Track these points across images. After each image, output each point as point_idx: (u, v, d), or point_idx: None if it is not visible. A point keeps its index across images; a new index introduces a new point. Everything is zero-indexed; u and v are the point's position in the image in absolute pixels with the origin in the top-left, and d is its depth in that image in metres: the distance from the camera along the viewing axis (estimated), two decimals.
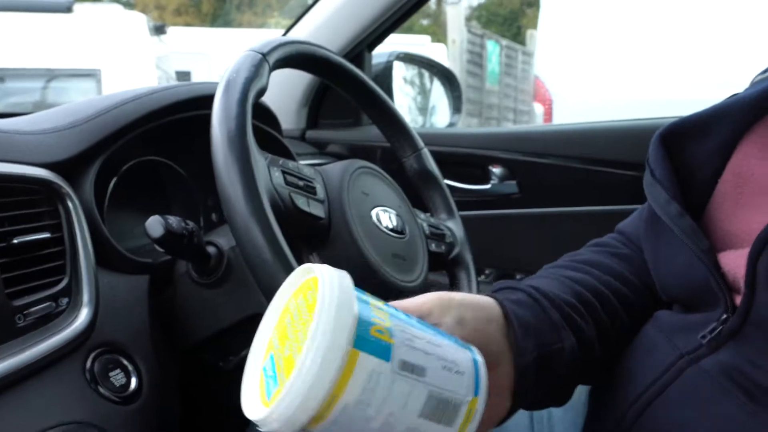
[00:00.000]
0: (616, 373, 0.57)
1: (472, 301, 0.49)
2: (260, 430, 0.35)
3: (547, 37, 4.75)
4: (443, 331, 0.41)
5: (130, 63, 4.26)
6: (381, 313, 0.37)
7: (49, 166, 0.62)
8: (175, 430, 0.70)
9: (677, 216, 0.50)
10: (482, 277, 1.19)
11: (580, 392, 0.60)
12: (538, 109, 5.95)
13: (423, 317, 0.43)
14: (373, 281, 0.65)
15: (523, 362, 0.48)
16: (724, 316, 0.47)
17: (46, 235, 0.59)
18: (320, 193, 0.65)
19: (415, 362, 0.36)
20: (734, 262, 0.46)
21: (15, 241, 0.56)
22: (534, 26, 7.57)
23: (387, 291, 0.66)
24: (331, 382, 0.33)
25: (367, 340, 0.34)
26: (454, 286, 0.82)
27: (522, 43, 9.85)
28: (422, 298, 0.46)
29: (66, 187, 0.62)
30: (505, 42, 8.84)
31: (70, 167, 0.65)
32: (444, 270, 0.85)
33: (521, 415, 0.71)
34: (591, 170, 1.15)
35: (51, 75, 4.32)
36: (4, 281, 0.54)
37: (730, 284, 0.47)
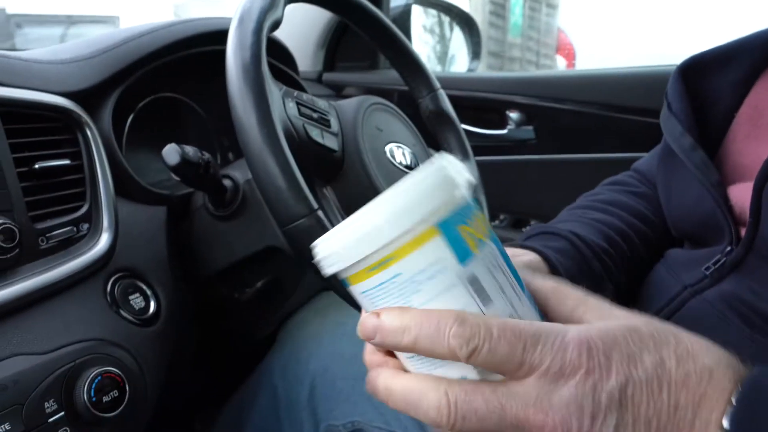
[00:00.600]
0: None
1: (518, 257, 0.49)
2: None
3: None
4: (530, 294, 0.36)
5: (148, 10, 4.24)
6: (483, 229, 0.34)
7: (67, 95, 0.63)
8: (191, 354, 0.72)
9: (690, 149, 0.50)
10: (496, 222, 1.19)
11: None
12: (561, 62, 5.83)
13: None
14: None
15: None
16: (729, 248, 0.47)
17: (66, 162, 0.60)
18: (334, 126, 0.65)
19: (487, 288, 0.33)
20: (742, 195, 0.47)
21: (36, 166, 0.57)
22: None
23: None
24: (395, 237, 0.31)
25: (452, 230, 0.32)
26: None
27: None
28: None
29: (84, 116, 0.63)
30: None
31: (88, 97, 0.66)
32: None
33: None
34: (609, 116, 1.14)
35: (70, 21, 4.31)
36: (27, 205, 0.56)
37: (736, 217, 0.48)
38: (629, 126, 1.13)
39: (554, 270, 0.50)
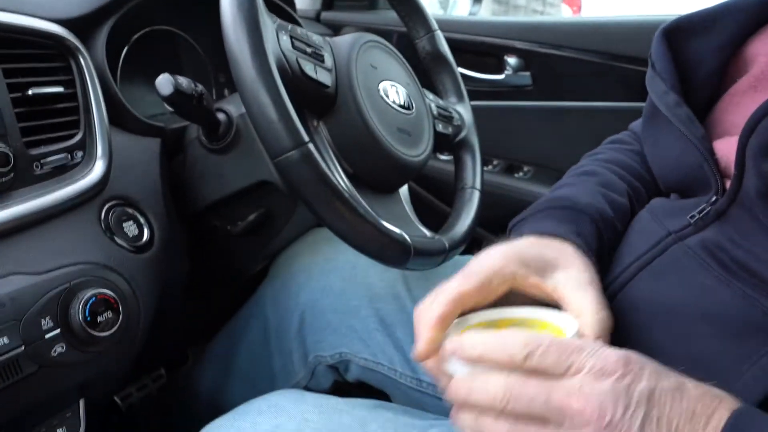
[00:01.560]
0: (610, 257, 0.60)
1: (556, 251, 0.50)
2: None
3: None
4: None
5: None
6: None
7: (60, 22, 0.63)
8: (183, 283, 0.74)
9: (674, 105, 0.52)
10: (489, 167, 1.20)
11: None
12: (567, 12, 5.72)
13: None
14: (376, 152, 0.66)
15: None
16: (714, 198, 0.49)
17: (60, 89, 0.61)
18: (328, 61, 0.65)
19: None
20: (728, 148, 0.48)
21: (30, 92, 0.58)
22: None
23: (390, 163, 0.68)
24: None
25: None
26: (459, 169, 0.84)
27: None
28: (496, 285, 0.48)
29: (78, 44, 0.63)
30: None
31: (82, 25, 0.66)
32: (449, 152, 0.86)
33: None
34: (607, 65, 1.13)
35: None
36: (21, 131, 0.56)
37: (722, 170, 0.49)
38: (628, 75, 1.12)
39: (585, 255, 0.52)
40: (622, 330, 0.50)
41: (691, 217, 0.50)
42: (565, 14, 6.07)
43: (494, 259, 0.49)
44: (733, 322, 0.43)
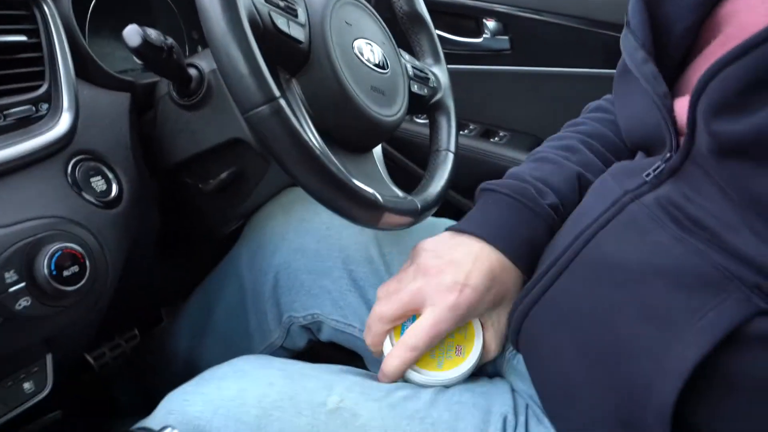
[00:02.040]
0: (570, 217, 0.60)
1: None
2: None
3: None
4: None
5: None
6: None
7: None
8: (154, 239, 0.74)
9: (641, 62, 0.52)
10: (465, 131, 1.20)
11: None
12: None
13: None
14: (349, 110, 0.66)
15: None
16: (669, 155, 0.49)
17: (23, 38, 0.59)
18: (301, 17, 0.64)
19: None
20: (685, 107, 0.48)
21: None
22: None
23: (363, 122, 0.67)
24: None
25: None
26: (433, 131, 0.83)
27: None
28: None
29: None
30: None
31: None
32: (424, 114, 0.85)
33: None
34: (587, 30, 1.13)
35: None
36: None
37: (679, 129, 0.50)
38: (608, 41, 1.12)
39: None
40: (581, 289, 0.52)
41: (647, 175, 0.51)
42: None
43: (463, 309, 0.59)
44: (685, 277, 0.44)
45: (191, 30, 0.95)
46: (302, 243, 0.78)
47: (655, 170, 0.50)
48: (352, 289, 0.75)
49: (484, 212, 0.64)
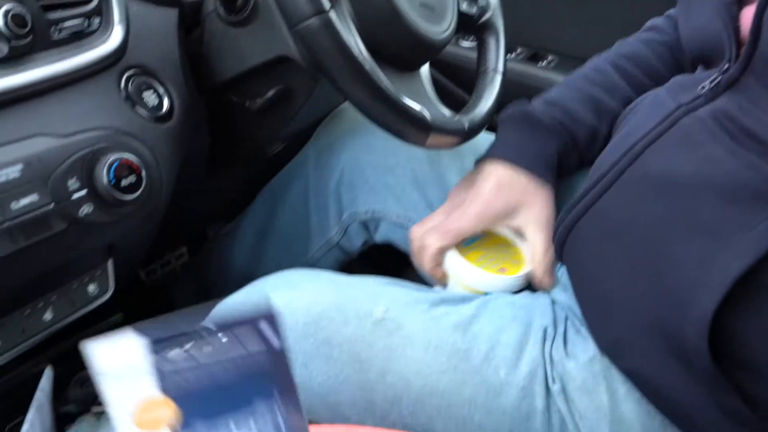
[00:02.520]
0: (620, 131, 0.59)
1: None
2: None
3: None
4: None
5: None
6: None
7: None
8: (202, 156, 0.75)
9: None
10: (512, 55, 1.16)
11: None
12: None
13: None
14: (398, 26, 0.65)
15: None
16: (726, 66, 0.48)
17: None
18: None
19: None
20: (750, 15, 0.46)
21: None
22: None
23: (411, 38, 0.66)
24: None
25: None
26: (481, 51, 0.82)
27: None
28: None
29: None
30: None
31: None
32: (473, 34, 0.84)
33: None
34: None
35: None
36: None
37: (742, 39, 0.47)
38: None
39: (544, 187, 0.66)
40: (628, 202, 0.51)
41: (702, 87, 0.50)
42: None
43: (485, 214, 0.66)
44: (736, 190, 0.44)
45: None
46: (370, 140, 0.81)
47: (711, 82, 0.49)
48: (413, 185, 0.78)
49: (496, 139, 0.70)
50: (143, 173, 0.56)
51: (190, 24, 0.73)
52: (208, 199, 0.94)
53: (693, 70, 0.60)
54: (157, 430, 0.29)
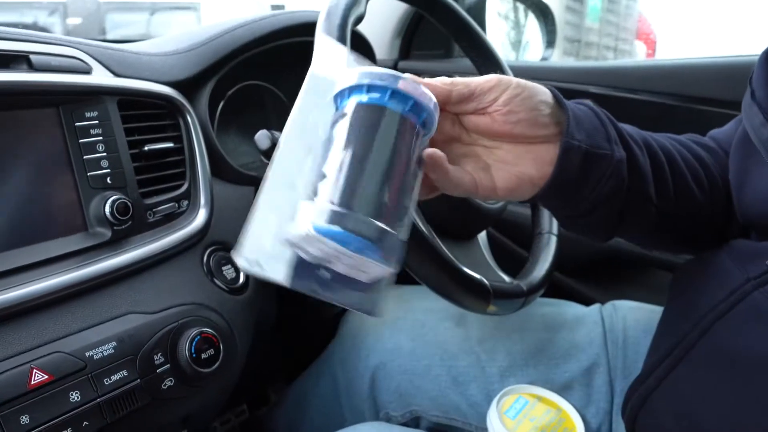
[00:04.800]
0: (683, 297, 0.59)
1: (529, 84, 0.50)
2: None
3: None
4: None
5: None
6: None
7: (171, 84, 0.70)
8: (272, 323, 0.79)
9: None
10: None
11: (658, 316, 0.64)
12: (641, 48, 5.62)
13: (483, 92, 0.48)
14: (455, 198, 0.69)
15: (569, 144, 0.48)
16: None
17: (170, 144, 0.67)
18: None
19: None
20: None
21: (146, 148, 0.64)
22: None
23: (469, 211, 0.70)
24: None
25: None
26: (535, 215, 0.85)
27: None
28: (485, 77, 0.49)
29: (186, 103, 0.69)
30: None
31: (189, 86, 0.73)
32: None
33: (596, 331, 0.74)
34: (686, 108, 1.12)
35: (153, 8, 4.49)
36: (138, 183, 0.63)
37: None
38: (708, 117, 1.11)
39: (561, 105, 0.51)
40: (702, 381, 0.50)
41: None
42: (638, 50, 5.96)
43: None
44: None
45: None
46: (397, 342, 0.78)
47: None
48: (452, 386, 0.74)
49: None
50: (221, 345, 0.59)
51: None
52: (271, 361, 0.97)
53: (746, 232, 0.60)
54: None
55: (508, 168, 0.50)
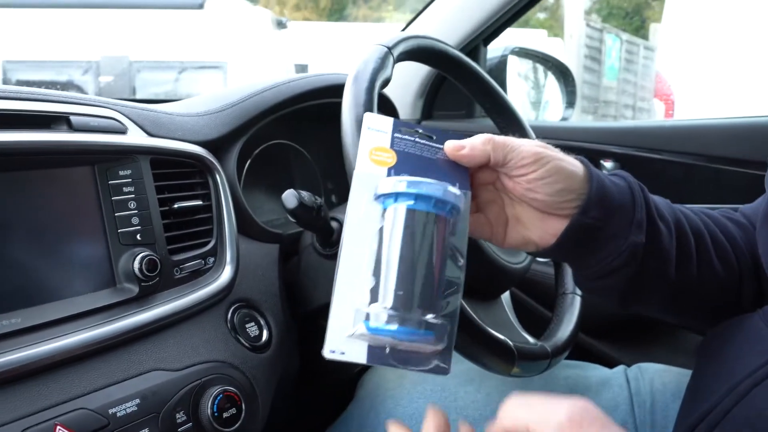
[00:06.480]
0: (716, 361, 0.58)
1: (563, 170, 0.53)
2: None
3: (671, 31, 4.53)
4: None
5: (254, 56, 4.52)
6: None
7: (202, 144, 0.72)
8: (294, 379, 0.78)
9: None
10: None
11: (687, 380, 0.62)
12: (659, 106, 5.67)
13: (516, 166, 0.53)
14: (479, 259, 0.69)
15: (578, 223, 0.53)
16: None
17: (199, 202, 0.69)
18: None
19: None
20: None
21: (176, 205, 0.66)
22: (658, 20, 7.19)
23: (492, 270, 0.70)
24: None
25: None
26: (558, 274, 0.85)
27: (645, 37, 9.36)
28: (525, 151, 0.53)
29: (215, 162, 0.71)
30: (625, 36, 8.44)
31: (218, 145, 0.75)
32: (549, 258, 0.87)
33: (622, 395, 0.73)
34: (708, 167, 1.13)
35: (182, 67, 4.65)
36: (167, 240, 0.64)
37: None
38: (730, 177, 1.11)
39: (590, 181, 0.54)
40: None
41: None
42: (656, 108, 6.01)
43: None
44: None
45: (326, 180, 1.05)
46: (417, 408, 0.76)
47: None
48: None
49: None
50: (243, 404, 0.59)
51: (288, 254, 0.81)
52: (293, 414, 0.95)
53: None
54: (380, 167, 0.51)
55: (519, 229, 0.56)
